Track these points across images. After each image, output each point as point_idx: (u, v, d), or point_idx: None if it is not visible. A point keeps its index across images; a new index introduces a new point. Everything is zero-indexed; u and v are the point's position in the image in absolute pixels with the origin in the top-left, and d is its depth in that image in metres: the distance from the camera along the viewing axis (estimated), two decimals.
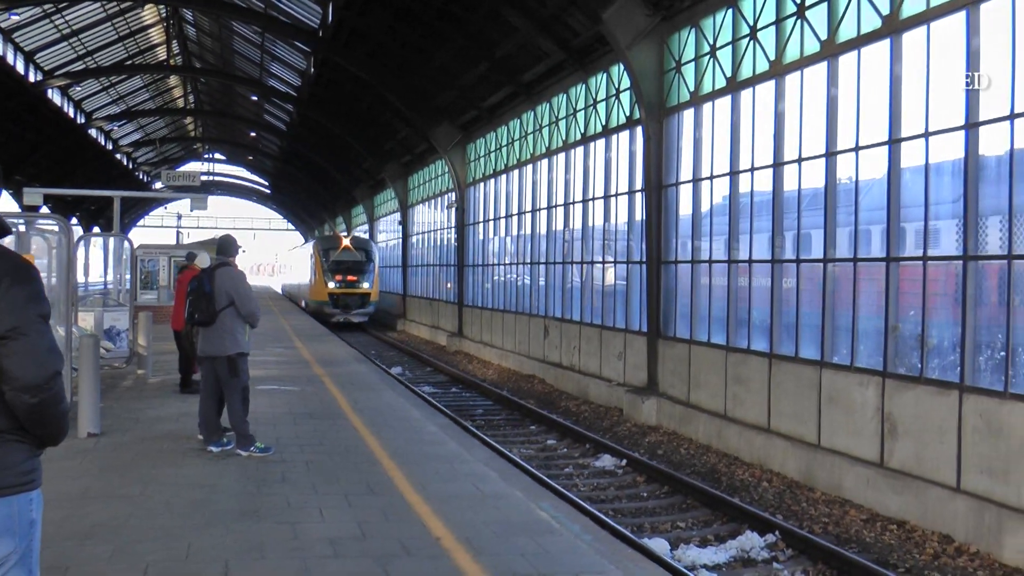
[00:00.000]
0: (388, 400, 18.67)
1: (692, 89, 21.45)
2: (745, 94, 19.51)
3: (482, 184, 40.46)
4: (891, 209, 15.13)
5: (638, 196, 24.48)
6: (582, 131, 28.43)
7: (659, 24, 22.26)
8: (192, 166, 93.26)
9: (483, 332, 39.28)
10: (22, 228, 16.58)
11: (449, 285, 45.40)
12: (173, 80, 68.57)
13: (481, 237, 41.12)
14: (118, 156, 74.01)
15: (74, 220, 71.47)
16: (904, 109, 14.93)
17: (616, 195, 26.32)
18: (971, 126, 13.44)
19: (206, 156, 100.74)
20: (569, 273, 29.93)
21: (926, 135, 14.35)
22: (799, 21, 17.44)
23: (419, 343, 46.76)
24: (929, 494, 13.74)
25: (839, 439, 16.04)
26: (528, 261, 34.03)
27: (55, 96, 52.88)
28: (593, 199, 27.98)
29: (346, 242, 57.20)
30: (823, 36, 16.77)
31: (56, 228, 16.51)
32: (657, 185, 22.78)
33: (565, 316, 29.86)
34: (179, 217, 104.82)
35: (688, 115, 21.88)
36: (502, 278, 37.63)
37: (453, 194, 43.53)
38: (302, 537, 8.80)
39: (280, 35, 45.96)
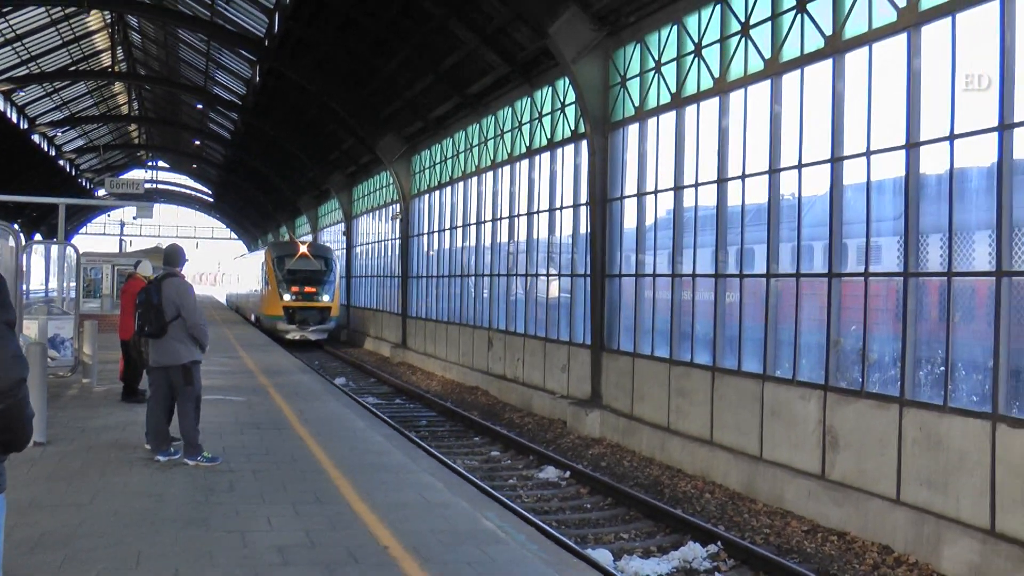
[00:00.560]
0: (333, 410, 18.68)
1: (637, 104, 21.64)
2: (690, 110, 19.71)
3: (427, 196, 40.49)
4: (833, 226, 15.35)
5: (583, 209, 24.62)
6: (527, 144, 28.56)
7: (604, 39, 22.45)
8: (135, 174, 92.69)
9: (427, 344, 39.28)
10: None
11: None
12: (117, 87, 68.08)
13: (426, 249, 41.13)
14: (61, 162, 73.34)
15: (15, 226, 70.65)
16: (846, 128, 15.17)
17: (561, 208, 26.45)
18: (911, 146, 13.69)
19: (150, 164, 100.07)
20: (513, 285, 30.02)
21: (867, 154, 14.59)
22: (743, 39, 17.67)
23: (362, 354, 46.62)
24: (870, 505, 13.95)
25: (781, 451, 16.24)
26: (473, 273, 34.08)
27: None
28: (538, 212, 28.11)
29: (304, 249, 51.27)
30: (767, 55, 17.00)
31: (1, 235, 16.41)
32: (602, 199, 22.95)
33: (509, 328, 29.95)
34: (122, 225, 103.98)
35: (633, 130, 22.06)
36: (446, 290, 37.62)
37: (398, 205, 43.55)
38: (251, 545, 8.82)
39: (226, 43, 45.87)
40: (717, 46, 18.55)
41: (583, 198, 24.57)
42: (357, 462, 13.26)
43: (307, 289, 49.31)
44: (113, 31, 55.44)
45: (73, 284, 27.95)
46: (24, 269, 18.85)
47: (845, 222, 15.35)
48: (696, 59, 19.24)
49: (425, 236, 41.05)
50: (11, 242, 15.81)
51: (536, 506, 16.08)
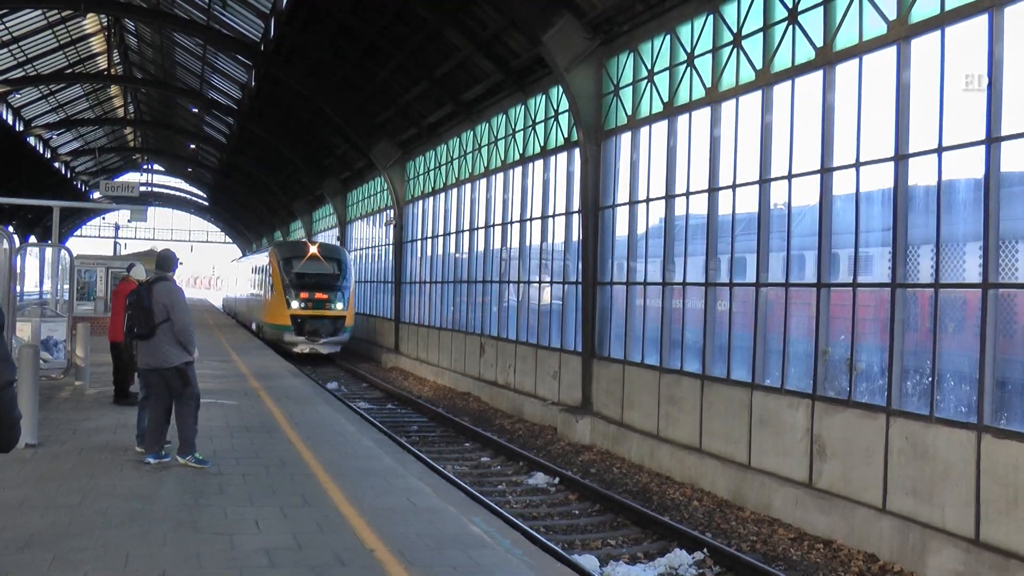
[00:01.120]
0: (324, 414, 18.75)
1: (629, 113, 21.74)
2: (682, 119, 19.81)
3: (421, 202, 40.57)
4: (822, 236, 15.44)
5: (575, 217, 24.70)
6: (521, 151, 28.64)
7: (597, 48, 22.55)
8: (131, 177, 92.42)
9: (419, 349, 39.35)
10: None
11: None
12: (113, 90, 68.01)
13: (419, 255, 41.17)
14: (56, 165, 73.30)
15: (10, 228, 70.70)
16: (836, 139, 15.27)
17: (554, 215, 26.52)
18: (900, 157, 13.79)
19: (145, 167, 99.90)
20: (506, 292, 30.09)
21: (857, 165, 14.68)
22: (735, 50, 17.77)
23: (355, 359, 46.56)
24: (856, 514, 14.03)
25: (769, 460, 16.32)
26: (465, 279, 34.15)
27: None
28: (531, 219, 28.19)
29: (314, 249, 44.92)
30: (758, 65, 17.09)
31: None
32: (594, 207, 23.03)
33: (501, 335, 30.03)
34: (117, 228, 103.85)
35: (625, 138, 22.16)
36: (439, 296, 37.69)
37: (392, 211, 43.58)
38: (239, 548, 8.90)
39: (222, 48, 45.89)
40: (709, 56, 18.65)
41: (575, 206, 24.65)
42: (346, 466, 13.34)
43: (318, 295, 43.20)
44: (109, 34, 55.42)
45: (67, 287, 27.99)
46: (18, 271, 18.90)
47: (835, 232, 15.43)
48: (688, 69, 19.34)
49: (419, 242, 41.11)
50: (5, 245, 15.87)
51: (525, 512, 16.13)
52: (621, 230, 22.54)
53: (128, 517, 9.87)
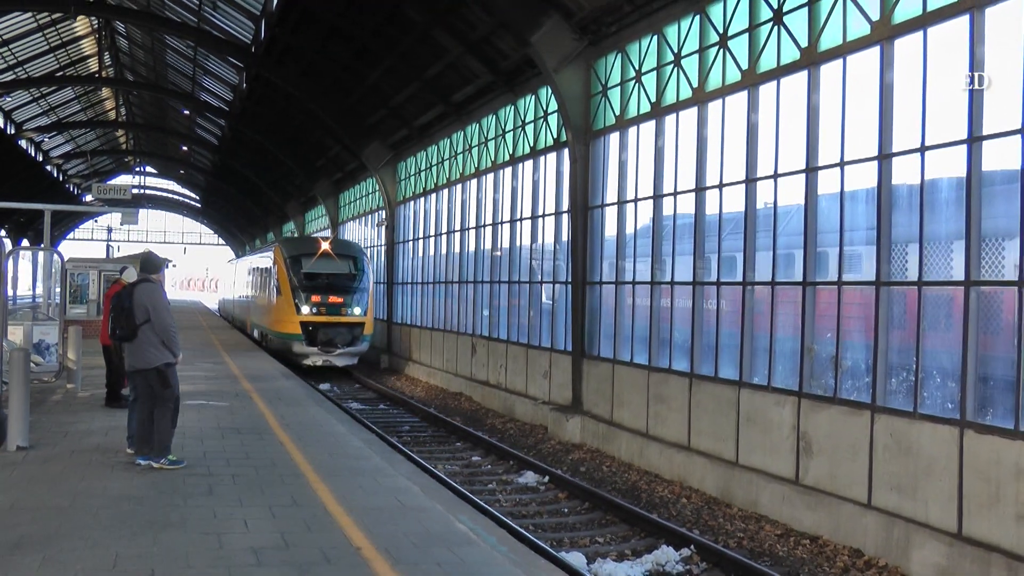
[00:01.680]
0: (315, 415, 18.82)
1: (618, 113, 21.83)
2: (669, 119, 19.90)
3: (412, 203, 40.65)
4: (808, 235, 15.56)
5: (565, 217, 24.79)
6: (511, 152, 28.73)
7: (586, 49, 22.64)
8: (123, 179, 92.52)
9: (412, 350, 39.42)
10: None
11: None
12: (105, 92, 68.04)
13: (411, 255, 41.25)
14: (48, 168, 73.25)
15: (2, 232, 70.73)
16: (821, 138, 15.38)
17: (543, 216, 26.62)
18: (884, 157, 13.91)
19: (137, 169, 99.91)
20: (497, 292, 30.18)
21: (841, 164, 14.80)
22: (721, 50, 17.87)
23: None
24: (841, 510, 14.16)
25: (756, 457, 16.44)
26: (457, 280, 34.21)
27: None
28: (521, 219, 28.29)
29: (326, 246, 38.72)
30: (744, 65, 17.20)
31: None
32: (583, 206, 23.13)
33: (492, 335, 30.12)
34: (109, 231, 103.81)
35: (614, 138, 22.27)
36: (431, 296, 37.77)
37: (383, 212, 43.65)
38: (227, 547, 8.99)
39: (213, 50, 45.90)
40: (696, 56, 18.74)
41: (565, 206, 24.73)
42: (336, 466, 13.42)
43: (332, 299, 37.32)
44: (100, 36, 55.38)
45: (58, 290, 28.07)
46: (9, 275, 18.96)
47: (821, 231, 15.54)
48: (675, 69, 19.44)
49: (410, 243, 41.20)
50: None
51: (514, 510, 16.24)
52: (610, 230, 22.64)
53: (118, 518, 9.95)
